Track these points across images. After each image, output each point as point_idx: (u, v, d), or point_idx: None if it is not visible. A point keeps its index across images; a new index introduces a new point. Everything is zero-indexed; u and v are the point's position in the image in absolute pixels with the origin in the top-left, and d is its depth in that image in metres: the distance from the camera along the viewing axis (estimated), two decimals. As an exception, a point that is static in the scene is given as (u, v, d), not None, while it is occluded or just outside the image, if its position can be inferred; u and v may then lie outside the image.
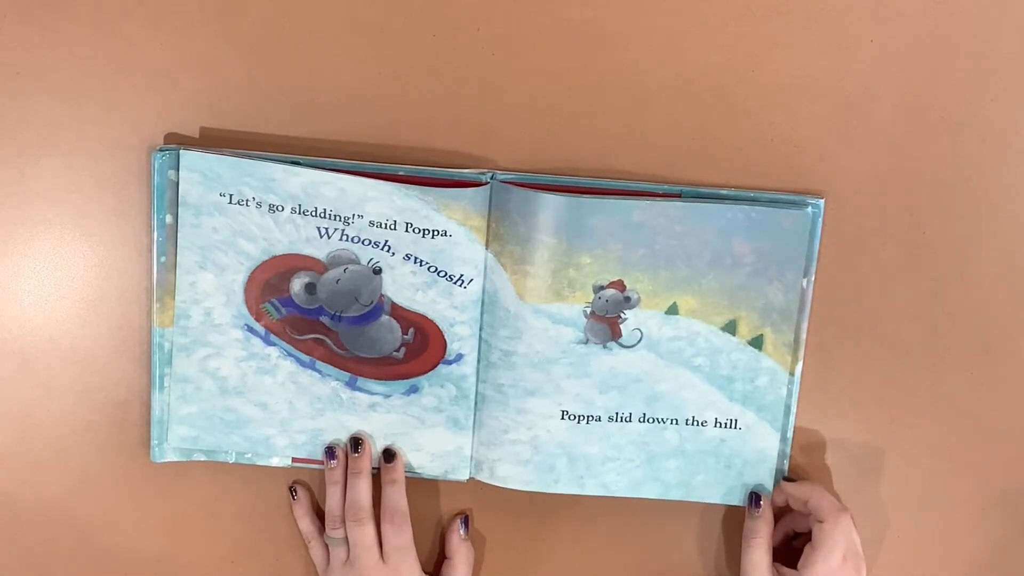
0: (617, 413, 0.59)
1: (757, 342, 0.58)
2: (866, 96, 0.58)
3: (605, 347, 0.58)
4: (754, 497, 0.59)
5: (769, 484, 0.60)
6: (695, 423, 0.59)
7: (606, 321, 0.58)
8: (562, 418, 0.59)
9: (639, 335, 0.58)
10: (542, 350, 0.58)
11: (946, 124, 0.59)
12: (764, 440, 0.59)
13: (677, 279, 0.57)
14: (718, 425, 0.59)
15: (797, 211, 0.57)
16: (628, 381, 0.59)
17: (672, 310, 0.58)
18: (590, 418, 0.59)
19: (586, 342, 0.58)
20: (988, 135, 0.59)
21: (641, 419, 0.59)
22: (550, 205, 0.56)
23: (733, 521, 0.62)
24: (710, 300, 0.58)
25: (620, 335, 0.58)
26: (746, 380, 0.59)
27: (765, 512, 0.59)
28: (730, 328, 0.58)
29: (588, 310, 0.57)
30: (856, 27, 0.58)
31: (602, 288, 0.57)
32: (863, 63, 0.58)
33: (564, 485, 0.59)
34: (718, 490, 0.60)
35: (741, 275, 0.57)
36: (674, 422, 0.59)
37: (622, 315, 0.58)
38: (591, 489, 0.60)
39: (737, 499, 0.60)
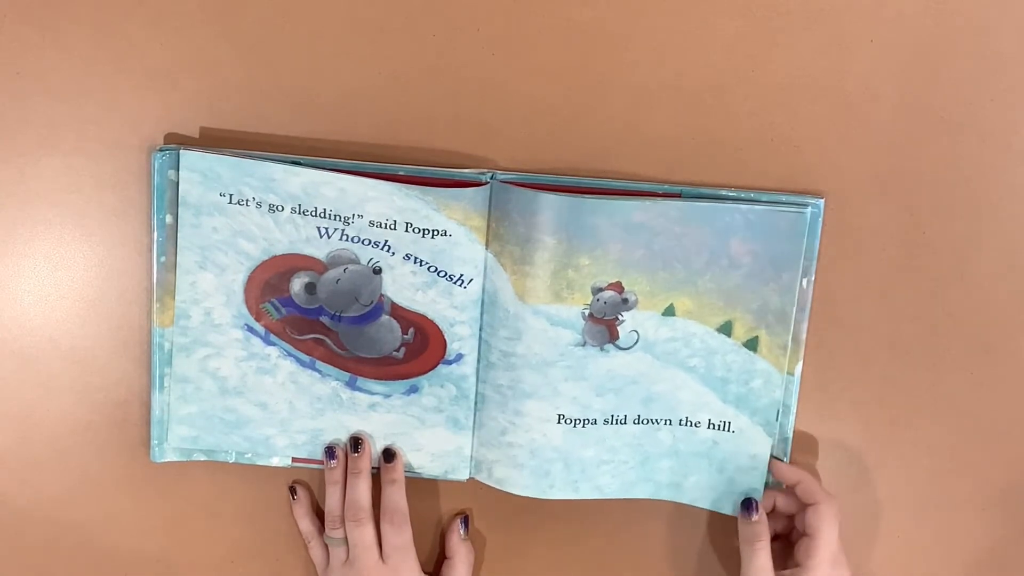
0: (613, 416, 0.59)
1: (752, 344, 0.58)
2: (866, 96, 0.58)
3: (602, 349, 0.58)
4: (748, 502, 0.59)
5: (760, 490, 0.59)
6: (688, 424, 0.59)
7: (604, 323, 0.58)
8: (558, 422, 0.58)
9: (636, 337, 0.58)
10: (540, 352, 0.58)
11: (946, 124, 0.59)
12: (756, 445, 0.59)
13: (674, 280, 0.57)
14: (711, 427, 0.59)
15: (794, 213, 0.57)
16: (624, 383, 0.58)
17: (669, 311, 0.58)
18: (586, 422, 0.59)
19: (583, 344, 0.58)
20: (988, 135, 0.59)
21: (636, 420, 0.59)
22: (550, 205, 0.56)
23: (733, 521, 0.62)
24: (707, 301, 0.57)
25: (618, 337, 0.58)
26: (740, 382, 0.59)
27: (763, 515, 0.58)
28: (725, 329, 0.58)
29: (586, 312, 0.57)
30: (856, 27, 0.58)
31: (600, 290, 0.57)
32: (863, 63, 0.58)
33: (559, 491, 0.59)
34: (709, 494, 0.60)
35: (737, 276, 0.57)
36: (668, 422, 0.59)
37: (620, 317, 0.58)
38: (585, 493, 0.60)
39: (728, 507, 0.60)
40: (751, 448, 0.59)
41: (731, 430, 0.59)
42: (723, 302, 0.57)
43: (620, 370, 0.58)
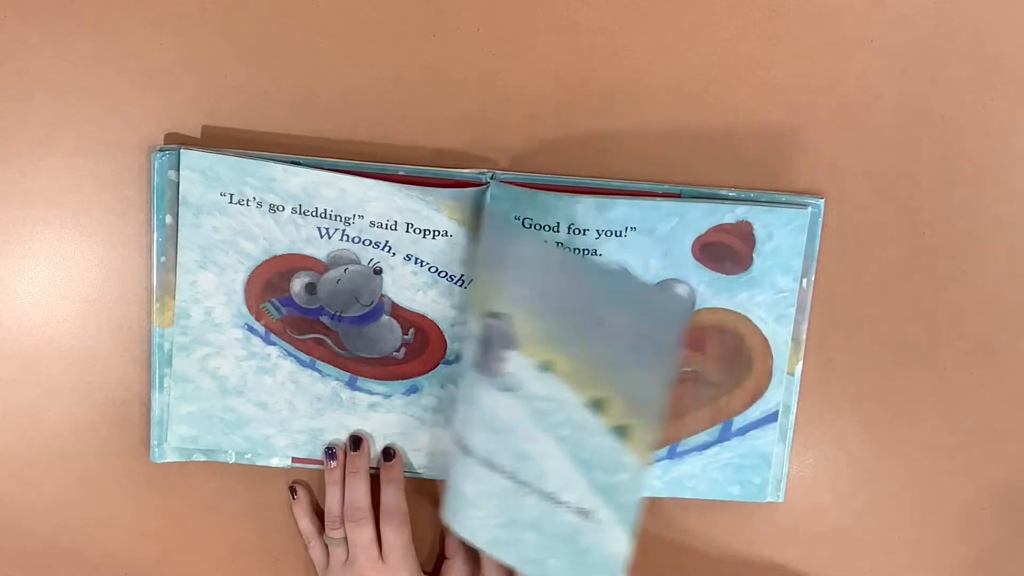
0: (488, 459, 0.53)
1: (622, 432, 0.52)
2: (866, 96, 0.58)
3: (487, 380, 0.53)
4: None
5: None
6: (553, 500, 0.53)
7: (489, 354, 0.52)
8: (451, 440, 0.55)
9: (515, 381, 0.52)
10: (466, 358, 0.54)
11: (946, 124, 0.59)
12: (617, 544, 0.54)
13: (556, 334, 0.51)
14: (575, 511, 0.53)
15: (680, 300, 0.53)
16: (500, 427, 0.53)
17: (546, 367, 0.52)
18: (468, 450, 0.54)
19: (476, 366, 0.53)
20: (988, 135, 0.59)
21: (505, 474, 0.53)
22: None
23: (734, 519, 0.62)
24: (582, 367, 0.51)
25: (498, 374, 0.52)
26: (607, 470, 0.52)
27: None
28: (598, 407, 0.52)
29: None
30: (856, 27, 0.58)
31: (490, 316, 0.52)
32: (863, 63, 0.58)
33: (448, 516, 0.55)
34: None
35: (613, 349, 0.51)
36: (535, 493, 0.53)
37: (502, 354, 0.52)
38: (464, 531, 0.55)
39: None
40: (611, 546, 0.54)
41: (595, 520, 0.53)
42: (598, 375, 0.51)
43: (497, 411, 0.53)
